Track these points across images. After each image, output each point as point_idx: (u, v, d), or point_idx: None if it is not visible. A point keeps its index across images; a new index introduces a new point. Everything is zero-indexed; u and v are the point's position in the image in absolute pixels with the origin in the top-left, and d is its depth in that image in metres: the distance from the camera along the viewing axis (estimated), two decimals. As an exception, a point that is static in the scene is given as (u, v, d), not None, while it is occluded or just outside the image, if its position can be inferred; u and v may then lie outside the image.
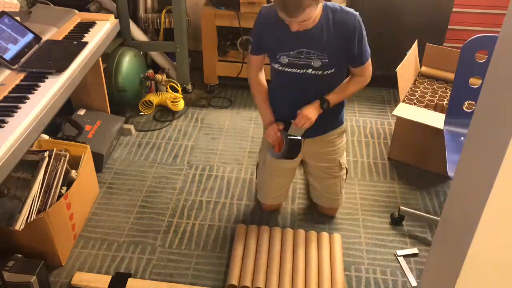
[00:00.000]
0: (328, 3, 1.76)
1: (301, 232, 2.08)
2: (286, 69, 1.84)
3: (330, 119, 1.99)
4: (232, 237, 2.10)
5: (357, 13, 1.77)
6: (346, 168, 2.13)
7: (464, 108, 2.08)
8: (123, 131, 2.73)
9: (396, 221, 2.18)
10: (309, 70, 1.81)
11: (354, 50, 1.80)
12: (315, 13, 1.66)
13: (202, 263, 1.98)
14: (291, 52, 1.79)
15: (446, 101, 2.58)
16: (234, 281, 1.85)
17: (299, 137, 1.87)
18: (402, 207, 2.15)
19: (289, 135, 1.85)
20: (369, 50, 1.85)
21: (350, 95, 1.95)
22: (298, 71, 1.82)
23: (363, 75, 1.89)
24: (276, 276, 1.88)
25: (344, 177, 2.13)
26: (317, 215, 2.22)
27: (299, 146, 1.87)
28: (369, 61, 1.87)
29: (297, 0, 1.56)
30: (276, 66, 1.86)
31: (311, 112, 1.83)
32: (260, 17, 1.84)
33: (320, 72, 1.81)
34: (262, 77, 1.99)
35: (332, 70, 1.82)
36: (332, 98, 1.87)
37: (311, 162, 2.09)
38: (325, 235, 2.07)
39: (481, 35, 1.87)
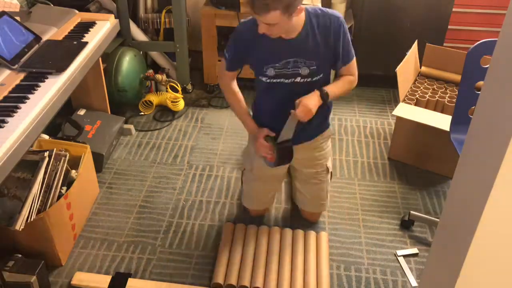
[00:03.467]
0: (309, 7, 1.73)
1: (288, 231, 2.08)
2: (273, 81, 1.80)
3: (317, 124, 1.93)
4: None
5: (340, 15, 1.75)
6: (331, 173, 2.11)
7: (470, 115, 2.06)
8: (123, 131, 2.73)
9: (406, 224, 2.17)
10: (297, 79, 1.78)
11: (340, 50, 1.76)
12: (292, 23, 1.63)
13: (202, 263, 1.98)
14: (278, 64, 1.76)
15: (446, 101, 2.58)
16: (219, 279, 1.85)
17: (290, 144, 1.83)
18: (412, 212, 2.14)
19: (279, 143, 1.82)
20: (353, 50, 1.82)
21: (344, 93, 1.89)
22: (286, 81, 1.79)
23: (352, 73, 1.86)
24: (262, 273, 1.89)
25: (329, 180, 2.11)
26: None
27: (291, 151, 1.85)
28: (355, 59, 1.83)
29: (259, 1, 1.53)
30: (264, 79, 1.81)
31: (311, 103, 1.73)
32: (238, 34, 1.79)
33: (308, 80, 1.78)
34: (236, 86, 1.95)
35: (321, 76, 1.80)
36: (331, 90, 1.79)
37: (298, 167, 2.06)
38: (312, 234, 2.07)
39: (486, 40, 1.85)
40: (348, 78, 1.86)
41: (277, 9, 1.54)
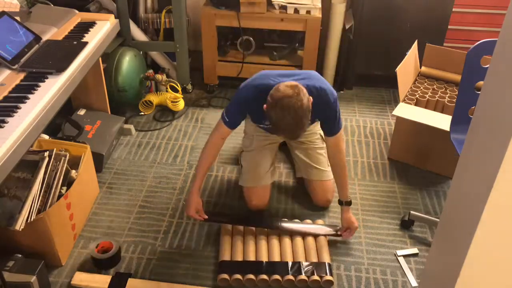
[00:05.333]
0: (309, 84, 1.87)
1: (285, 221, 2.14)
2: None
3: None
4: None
5: (335, 95, 1.93)
6: None
7: (470, 115, 2.06)
8: (123, 131, 2.73)
9: (406, 225, 2.17)
10: None
11: (329, 125, 1.99)
12: None
13: (202, 263, 1.98)
14: None
15: (446, 101, 2.58)
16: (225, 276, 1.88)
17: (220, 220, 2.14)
18: (412, 212, 2.14)
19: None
20: (341, 123, 2.00)
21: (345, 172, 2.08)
22: None
23: (338, 145, 2.02)
24: (265, 247, 1.99)
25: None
26: (318, 216, 2.22)
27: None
28: (341, 133, 2.00)
29: (296, 136, 1.82)
30: (261, 126, 2.10)
31: (354, 220, 2.06)
32: (244, 101, 1.95)
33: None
34: (220, 147, 2.07)
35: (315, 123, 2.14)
36: (345, 194, 2.06)
37: (291, 143, 2.29)
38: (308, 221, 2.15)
39: (486, 40, 1.85)
40: (335, 158, 2.04)
41: (307, 126, 1.84)
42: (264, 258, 1.94)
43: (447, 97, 2.61)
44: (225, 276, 1.86)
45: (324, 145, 2.18)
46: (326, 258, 1.94)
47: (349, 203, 2.05)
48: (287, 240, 2.03)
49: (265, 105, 1.77)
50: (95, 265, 1.93)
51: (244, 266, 1.90)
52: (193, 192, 2.00)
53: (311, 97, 1.77)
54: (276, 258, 1.95)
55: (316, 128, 2.25)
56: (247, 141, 2.28)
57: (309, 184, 2.27)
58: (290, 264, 1.91)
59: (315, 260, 1.94)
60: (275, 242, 2.02)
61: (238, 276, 1.86)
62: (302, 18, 2.88)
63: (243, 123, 2.14)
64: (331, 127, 1.98)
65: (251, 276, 1.86)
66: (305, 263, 1.90)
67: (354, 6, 3.16)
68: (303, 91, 1.73)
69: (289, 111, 1.69)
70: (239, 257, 1.94)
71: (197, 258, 2.00)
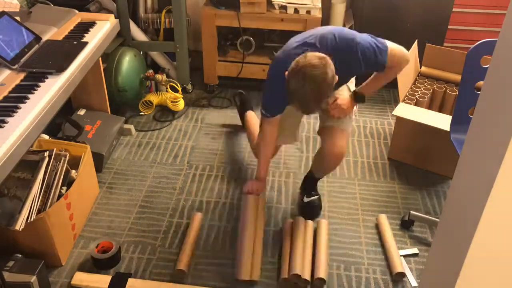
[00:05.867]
0: (328, 43, 1.79)
1: (288, 220, 2.13)
2: None
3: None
4: (232, 237, 2.10)
5: (358, 40, 1.82)
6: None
7: (470, 115, 2.06)
8: (123, 131, 2.73)
9: (406, 225, 2.17)
10: None
11: (373, 66, 1.88)
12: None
13: (202, 263, 1.98)
14: None
15: (446, 102, 2.58)
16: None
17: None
18: (412, 212, 2.14)
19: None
20: (385, 44, 1.86)
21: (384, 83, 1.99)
22: None
23: (393, 67, 1.90)
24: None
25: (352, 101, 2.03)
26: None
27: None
28: (388, 54, 1.85)
29: (311, 109, 1.74)
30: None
31: (346, 103, 1.92)
32: (279, 77, 1.77)
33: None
34: (276, 134, 2.05)
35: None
36: (366, 89, 1.93)
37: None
38: (310, 222, 2.12)
39: (486, 40, 1.85)
40: (388, 71, 1.92)
41: (325, 102, 1.74)
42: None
43: (447, 97, 2.61)
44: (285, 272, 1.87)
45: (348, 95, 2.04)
46: (323, 274, 1.88)
47: (359, 98, 1.94)
48: (286, 249, 1.99)
49: (286, 71, 1.69)
50: (95, 265, 1.93)
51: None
52: (262, 179, 2.10)
53: (337, 76, 1.69)
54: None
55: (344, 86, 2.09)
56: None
57: (325, 132, 2.06)
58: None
59: (307, 275, 1.88)
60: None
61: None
62: (302, 18, 2.88)
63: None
64: (376, 67, 1.88)
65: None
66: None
67: (354, 6, 3.16)
68: (331, 66, 1.65)
69: (310, 81, 1.62)
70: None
71: (197, 258, 2.00)
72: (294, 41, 1.88)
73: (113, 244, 1.96)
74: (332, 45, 1.80)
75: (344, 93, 2.00)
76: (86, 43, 2.07)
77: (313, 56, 1.66)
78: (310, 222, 2.12)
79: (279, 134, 2.09)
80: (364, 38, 1.85)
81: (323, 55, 1.68)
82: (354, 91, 1.93)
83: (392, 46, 1.88)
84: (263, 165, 2.11)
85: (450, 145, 1.94)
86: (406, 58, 1.92)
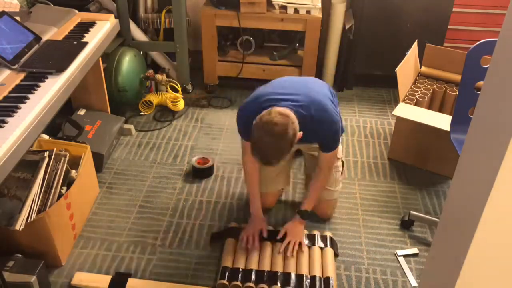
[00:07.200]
0: (308, 113, 1.80)
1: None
2: None
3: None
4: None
5: (336, 120, 1.87)
6: (342, 161, 2.13)
7: (470, 115, 2.06)
8: (123, 131, 2.73)
9: (406, 225, 2.17)
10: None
11: (327, 145, 1.94)
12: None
13: (202, 263, 1.98)
14: None
15: (446, 102, 2.58)
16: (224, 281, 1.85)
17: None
18: (412, 212, 2.14)
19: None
20: (336, 142, 1.94)
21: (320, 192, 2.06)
22: None
23: (330, 161, 1.98)
24: (269, 256, 1.94)
25: (340, 169, 2.13)
26: (317, 216, 2.21)
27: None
28: (331, 154, 1.95)
29: (268, 162, 1.73)
30: None
31: (299, 231, 2.00)
32: (243, 118, 1.89)
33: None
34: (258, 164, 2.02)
35: None
36: (309, 205, 2.02)
37: (304, 149, 2.18)
38: (317, 249, 2.01)
39: (486, 40, 1.85)
40: (320, 174, 2.00)
41: (285, 157, 1.74)
42: (266, 267, 1.90)
43: (447, 97, 2.61)
44: (224, 282, 1.84)
45: (337, 163, 2.11)
46: (331, 272, 1.89)
47: (305, 216, 2.02)
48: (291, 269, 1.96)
49: (254, 122, 1.75)
50: (195, 175, 2.43)
51: (245, 274, 1.87)
52: (257, 214, 2.05)
53: (300, 133, 1.73)
54: (279, 268, 1.90)
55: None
56: None
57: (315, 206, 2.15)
58: (293, 275, 1.86)
59: (319, 273, 1.88)
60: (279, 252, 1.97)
61: (237, 282, 1.83)
62: (302, 18, 2.88)
63: None
64: (328, 146, 1.94)
65: (251, 284, 1.83)
66: (307, 278, 1.85)
67: (354, 6, 3.16)
68: (293, 125, 1.68)
69: (270, 137, 1.66)
70: (241, 264, 1.90)
71: (197, 258, 2.00)
72: (274, 91, 1.89)
73: (209, 159, 2.45)
74: (311, 119, 1.81)
75: (295, 220, 2.05)
76: (86, 43, 2.07)
77: (277, 113, 1.68)
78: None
79: (261, 184, 2.11)
80: (337, 120, 1.90)
81: (287, 111, 1.71)
82: (299, 210, 2.02)
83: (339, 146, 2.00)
84: (256, 196, 2.06)
85: (450, 145, 1.94)
86: (330, 168, 2.03)
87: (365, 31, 3.03)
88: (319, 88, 1.94)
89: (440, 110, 2.67)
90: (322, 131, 1.87)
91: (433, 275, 1.15)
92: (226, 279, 1.84)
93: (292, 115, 1.72)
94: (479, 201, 0.86)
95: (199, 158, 2.47)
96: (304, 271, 1.89)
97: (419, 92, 2.64)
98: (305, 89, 1.88)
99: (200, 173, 2.44)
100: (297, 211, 2.04)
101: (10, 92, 1.70)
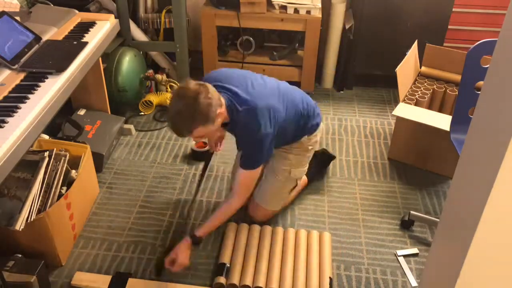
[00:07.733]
0: (245, 105, 1.74)
1: (291, 231, 2.08)
2: None
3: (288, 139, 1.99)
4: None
5: (263, 133, 1.74)
6: (297, 182, 2.11)
7: (470, 115, 2.06)
8: (123, 131, 2.73)
9: (406, 225, 2.17)
10: None
11: (243, 155, 1.84)
12: (214, 128, 1.71)
13: (202, 263, 1.98)
14: None
15: (446, 102, 2.58)
16: (221, 279, 1.86)
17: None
18: (412, 212, 2.13)
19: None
20: (257, 165, 1.83)
21: (225, 220, 1.94)
22: None
23: (240, 184, 1.87)
24: (264, 273, 1.89)
25: (291, 187, 2.10)
26: (318, 216, 2.22)
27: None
28: (248, 172, 1.83)
29: (178, 129, 1.67)
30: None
31: (186, 256, 1.83)
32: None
33: None
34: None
35: None
36: (204, 231, 1.87)
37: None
38: (314, 233, 2.07)
39: (486, 40, 1.85)
40: (228, 202, 1.90)
41: (196, 128, 1.64)
42: (263, 265, 1.90)
43: (447, 97, 2.61)
44: (222, 279, 1.85)
45: (288, 184, 2.07)
46: (328, 272, 1.89)
47: (197, 242, 1.86)
48: (290, 249, 1.99)
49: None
50: (194, 158, 2.54)
51: (243, 272, 1.87)
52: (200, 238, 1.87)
53: (222, 109, 1.67)
54: (276, 267, 1.90)
55: (287, 162, 2.05)
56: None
57: (247, 205, 2.13)
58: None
59: (316, 272, 1.89)
60: (277, 249, 1.98)
61: (235, 281, 1.84)
62: (302, 18, 2.88)
63: None
64: (244, 158, 1.84)
65: (247, 283, 1.84)
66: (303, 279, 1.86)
67: (354, 6, 3.16)
68: (208, 94, 1.62)
69: (181, 100, 1.62)
70: (235, 281, 1.86)
71: (197, 258, 2.00)
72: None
73: (206, 144, 2.48)
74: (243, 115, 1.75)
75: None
76: (86, 43, 2.07)
77: (194, 82, 1.66)
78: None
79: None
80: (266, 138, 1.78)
81: (207, 84, 1.67)
82: (192, 235, 1.84)
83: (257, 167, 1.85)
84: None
85: (450, 145, 1.94)
86: (241, 196, 1.90)
87: (365, 31, 3.03)
88: (287, 96, 1.86)
89: (440, 110, 2.67)
90: (240, 130, 1.81)
91: (433, 275, 1.15)
92: (223, 275, 1.86)
93: (213, 89, 1.66)
94: (479, 201, 0.86)
95: (197, 143, 2.58)
96: (301, 271, 1.89)
97: (419, 92, 2.64)
98: (259, 90, 1.80)
99: (199, 156, 2.53)
100: (190, 235, 1.86)
101: (10, 92, 1.70)
